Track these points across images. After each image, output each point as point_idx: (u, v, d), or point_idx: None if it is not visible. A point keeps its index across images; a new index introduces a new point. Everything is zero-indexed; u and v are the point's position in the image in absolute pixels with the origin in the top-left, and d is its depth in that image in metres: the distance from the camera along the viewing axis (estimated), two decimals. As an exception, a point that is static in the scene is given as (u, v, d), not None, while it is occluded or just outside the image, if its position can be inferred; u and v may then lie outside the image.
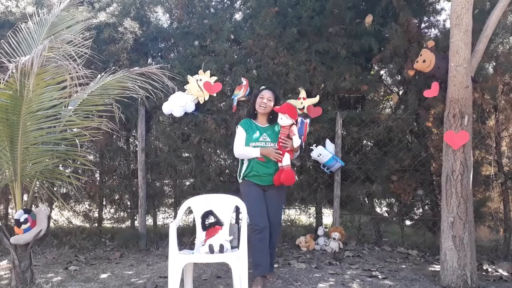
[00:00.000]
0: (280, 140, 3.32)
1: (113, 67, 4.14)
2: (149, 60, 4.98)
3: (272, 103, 3.39)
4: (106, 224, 5.14)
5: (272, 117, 3.43)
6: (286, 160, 3.26)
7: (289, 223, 5.21)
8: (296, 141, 3.30)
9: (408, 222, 4.95)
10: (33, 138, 3.14)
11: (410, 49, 4.31)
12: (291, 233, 4.97)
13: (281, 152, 3.26)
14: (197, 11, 4.79)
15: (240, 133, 3.40)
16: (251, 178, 3.35)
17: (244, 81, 4.36)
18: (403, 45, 4.35)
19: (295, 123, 3.37)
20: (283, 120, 3.31)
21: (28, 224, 3.12)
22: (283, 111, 3.30)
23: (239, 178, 3.46)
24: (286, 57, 4.45)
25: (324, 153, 4.28)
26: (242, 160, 3.43)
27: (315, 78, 4.50)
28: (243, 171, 3.39)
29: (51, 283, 3.40)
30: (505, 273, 3.77)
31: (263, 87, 3.55)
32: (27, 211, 3.15)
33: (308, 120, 3.88)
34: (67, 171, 4.19)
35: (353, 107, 4.84)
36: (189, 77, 4.32)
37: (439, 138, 4.22)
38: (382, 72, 5.03)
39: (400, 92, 4.96)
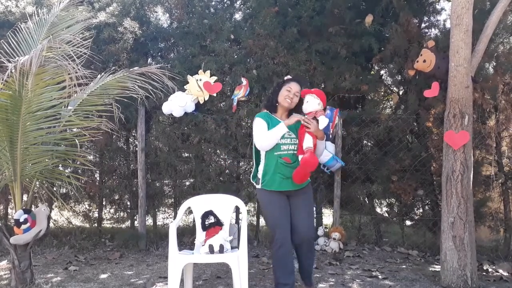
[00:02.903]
0: (304, 119, 2.83)
1: (113, 67, 4.14)
2: (149, 60, 4.98)
3: (298, 99, 2.95)
4: (106, 224, 5.13)
5: (294, 112, 2.99)
6: (307, 142, 2.79)
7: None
8: (323, 121, 2.80)
9: (408, 222, 4.94)
10: (32, 138, 3.14)
11: (410, 49, 4.30)
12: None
13: (305, 118, 2.82)
14: (197, 11, 4.79)
15: (261, 123, 2.92)
16: (272, 186, 2.88)
17: (244, 81, 4.35)
18: (403, 45, 4.34)
19: (322, 109, 2.92)
20: (309, 103, 2.89)
21: (28, 224, 3.12)
22: (311, 92, 2.92)
23: (256, 182, 2.99)
24: (286, 57, 4.45)
25: (324, 153, 4.28)
26: (259, 160, 3.00)
27: (315, 78, 4.50)
28: (262, 175, 2.93)
29: (50, 283, 3.40)
30: (505, 273, 3.77)
31: (289, 76, 3.09)
32: (27, 211, 3.15)
33: (337, 110, 3.16)
34: (67, 171, 4.19)
35: (353, 107, 4.84)
36: (189, 77, 4.32)
37: (439, 138, 4.22)
38: (382, 72, 5.02)
39: (400, 92, 4.96)
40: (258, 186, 2.96)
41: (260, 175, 2.95)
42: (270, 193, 2.90)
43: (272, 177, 2.87)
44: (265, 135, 2.87)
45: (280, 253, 2.84)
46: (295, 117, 2.86)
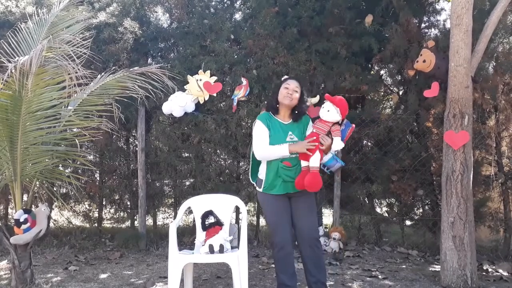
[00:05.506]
0: (319, 135, 2.79)
1: (113, 67, 4.14)
2: (149, 60, 4.98)
3: (298, 95, 2.87)
4: (106, 224, 5.14)
5: (297, 113, 2.92)
6: (315, 161, 2.76)
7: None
8: (338, 144, 2.81)
9: (408, 222, 4.94)
10: (33, 138, 3.14)
11: (410, 49, 4.30)
12: (291, 233, 4.97)
13: (315, 145, 2.75)
14: (197, 11, 4.79)
15: (262, 129, 2.86)
16: (274, 190, 2.87)
17: (244, 81, 4.35)
18: (403, 45, 4.34)
19: (339, 122, 2.89)
20: (330, 113, 2.80)
21: (28, 224, 3.12)
22: (336, 103, 2.81)
23: (257, 184, 2.96)
24: (286, 57, 4.44)
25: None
26: (258, 161, 2.95)
27: (315, 78, 4.50)
28: (264, 178, 2.89)
29: (51, 283, 3.40)
30: (505, 273, 3.77)
31: (286, 76, 3.06)
32: (27, 211, 3.15)
33: (353, 126, 3.16)
34: (67, 171, 4.19)
35: (353, 107, 4.84)
36: (189, 77, 4.32)
37: (439, 138, 4.22)
38: (382, 72, 5.02)
39: (400, 92, 4.96)
40: (259, 190, 2.93)
41: (262, 176, 2.91)
42: (271, 197, 2.89)
43: (273, 181, 2.85)
44: (267, 150, 2.82)
45: (280, 255, 2.86)
46: (302, 145, 2.78)
